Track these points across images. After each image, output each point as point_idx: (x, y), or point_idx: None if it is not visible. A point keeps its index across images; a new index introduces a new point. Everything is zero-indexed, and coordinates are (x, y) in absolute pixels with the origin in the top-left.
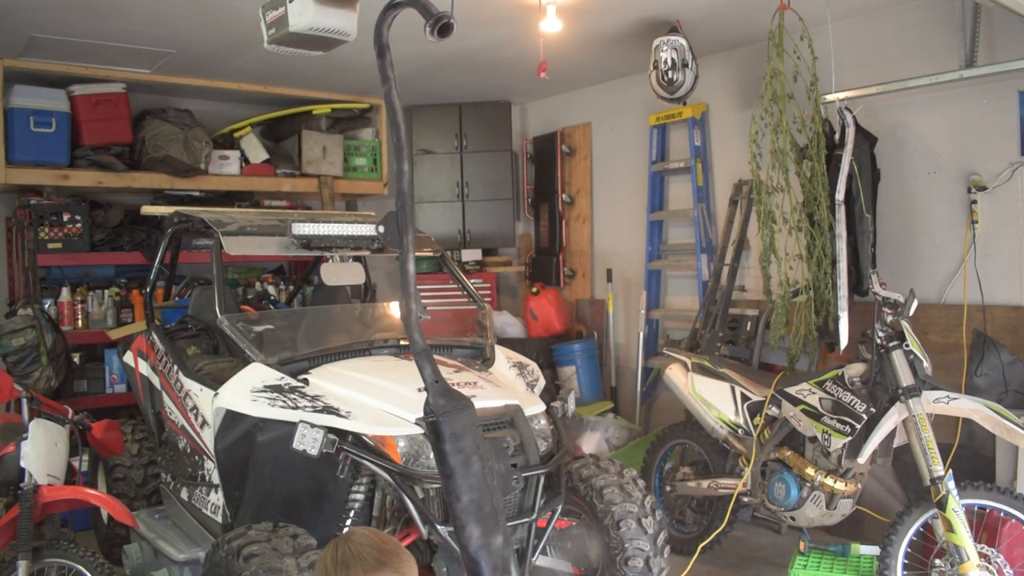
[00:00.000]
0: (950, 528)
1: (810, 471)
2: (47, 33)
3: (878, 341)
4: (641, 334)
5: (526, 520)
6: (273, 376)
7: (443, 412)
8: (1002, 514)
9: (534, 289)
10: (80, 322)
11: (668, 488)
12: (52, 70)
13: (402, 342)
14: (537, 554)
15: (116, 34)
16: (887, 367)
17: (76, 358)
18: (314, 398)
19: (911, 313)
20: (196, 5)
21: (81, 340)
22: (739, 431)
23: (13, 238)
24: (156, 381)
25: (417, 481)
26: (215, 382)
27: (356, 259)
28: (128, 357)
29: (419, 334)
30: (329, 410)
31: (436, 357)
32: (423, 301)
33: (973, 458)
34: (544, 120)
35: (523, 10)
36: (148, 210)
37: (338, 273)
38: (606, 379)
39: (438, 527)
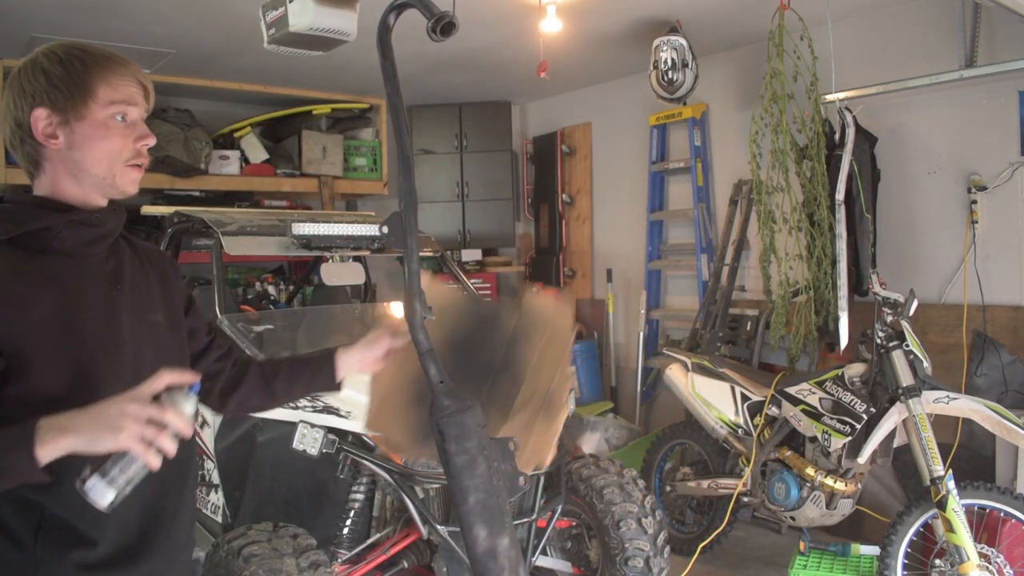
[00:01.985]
0: (950, 528)
1: (810, 471)
2: (47, 33)
3: (878, 341)
4: (641, 334)
5: (526, 520)
6: None
7: (448, 413)
8: (1002, 514)
9: (534, 289)
10: None
11: (668, 488)
12: None
13: None
14: (537, 554)
15: (116, 34)
16: (887, 367)
17: None
18: (314, 398)
19: (911, 313)
20: (196, 5)
21: None
22: (739, 431)
23: None
24: None
25: (417, 481)
26: None
27: (356, 259)
28: None
29: (423, 334)
30: (329, 410)
31: None
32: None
33: (973, 458)
34: (544, 120)
35: (523, 10)
36: (148, 210)
37: (338, 273)
38: (606, 379)
39: (438, 527)
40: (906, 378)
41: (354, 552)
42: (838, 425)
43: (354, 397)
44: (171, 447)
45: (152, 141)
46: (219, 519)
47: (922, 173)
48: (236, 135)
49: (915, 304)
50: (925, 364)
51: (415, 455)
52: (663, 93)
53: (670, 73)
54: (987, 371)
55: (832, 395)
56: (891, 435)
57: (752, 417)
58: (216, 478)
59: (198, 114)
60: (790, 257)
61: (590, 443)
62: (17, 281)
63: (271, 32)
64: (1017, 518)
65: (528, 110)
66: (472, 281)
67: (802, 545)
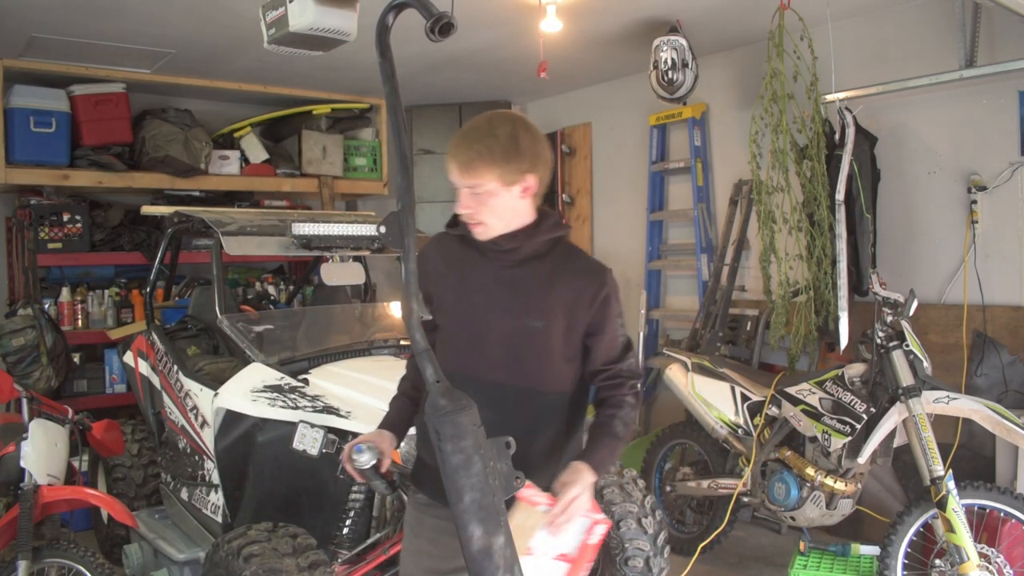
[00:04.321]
0: (950, 528)
1: (810, 471)
2: (47, 33)
3: (878, 341)
4: (641, 334)
5: None
6: (273, 376)
7: (444, 412)
8: (1002, 514)
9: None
10: (80, 322)
11: (668, 488)
12: (52, 70)
13: (402, 342)
14: None
15: (116, 34)
16: (887, 367)
17: (76, 358)
18: (314, 398)
19: (911, 313)
20: (196, 5)
21: (81, 340)
22: (739, 431)
23: (13, 238)
24: (156, 381)
25: None
26: (215, 382)
27: (356, 259)
28: (128, 357)
29: (420, 334)
30: (329, 410)
31: None
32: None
33: (973, 458)
34: (544, 120)
35: (523, 10)
36: (148, 210)
37: (338, 273)
38: None
39: None
40: (906, 378)
41: (354, 552)
42: (838, 425)
43: (354, 397)
44: None
45: (460, 209)
46: (219, 519)
47: (922, 173)
48: (236, 135)
49: (915, 304)
50: (925, 364)
51: None
52: (663, 93)
53: (670, 73)
54: (987, 371)
55: (832, 395)
56: (891, 435)
57: (752, 417)
58: (216, 478)
59: (198, 114)
60: (790, 257)
61: None
62: (442, 262)
63: (271, 32)
64: (1017, 518)
65: (528, 110)
66: None
67: (802, 545)
